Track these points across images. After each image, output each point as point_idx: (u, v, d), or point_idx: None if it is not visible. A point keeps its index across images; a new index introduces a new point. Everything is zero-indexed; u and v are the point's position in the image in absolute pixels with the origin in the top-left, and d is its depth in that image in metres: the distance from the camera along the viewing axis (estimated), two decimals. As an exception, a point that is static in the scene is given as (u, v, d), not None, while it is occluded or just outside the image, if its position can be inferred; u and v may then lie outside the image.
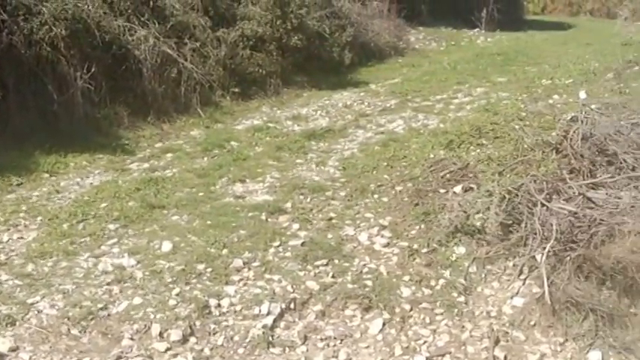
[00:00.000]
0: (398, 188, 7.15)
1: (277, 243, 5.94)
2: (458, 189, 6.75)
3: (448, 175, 7.10)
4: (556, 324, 4.80)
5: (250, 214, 6.55)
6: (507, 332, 4.84)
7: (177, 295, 5.01)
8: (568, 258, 5.12)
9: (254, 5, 12.45)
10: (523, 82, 12.20)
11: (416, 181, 7.19)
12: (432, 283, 5.42)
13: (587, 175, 6.28)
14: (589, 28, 25.87)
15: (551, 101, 10.05)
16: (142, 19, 10.46)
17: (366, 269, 5.61)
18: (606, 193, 5.82)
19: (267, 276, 5.39)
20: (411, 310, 5.07)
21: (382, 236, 6.16)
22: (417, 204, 6.68)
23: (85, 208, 6.70)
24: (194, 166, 8.14)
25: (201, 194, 7.16)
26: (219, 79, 11.07)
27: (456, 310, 5.08)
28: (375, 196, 7.06)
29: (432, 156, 7.87)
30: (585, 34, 22.47)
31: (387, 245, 6.02)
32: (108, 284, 5.17)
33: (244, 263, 5.55)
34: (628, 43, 15.57)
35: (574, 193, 5.85)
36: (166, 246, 5.82)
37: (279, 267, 5.54)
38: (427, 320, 4.98)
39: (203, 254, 5.65)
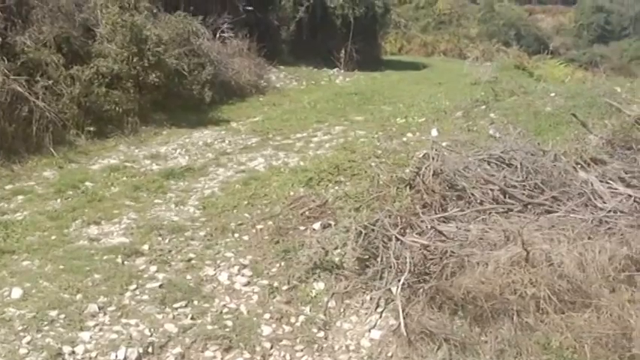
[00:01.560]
0: (258, 226, 7.20)
1: (134, 286, 5.84)
2: (317, 226, 6.88)
3: (308, 213, 7.22)
4: (412, 355, 4.95)
5: (105, 257, 6.41)
6: (366, 365, 4.95)
7: (28, 343, 4.84)
8: (422, 290, 5.31)
9: (109, 42, 12.25)
10: (379, 121, 12.56)
11: (276, 218, 7.27)
12: (293, 319, 5.49)
13: (438, 209, 6.56)
14: (442, 68, 27.04)
15: (405, 139, 10.40)
16: (-9, 55, 10.07)
17: (226, 309, 5.61)
18: (456, 226, 6.10)
19: (123, 320, 5.30)
20: (271, 348, 5.12)
21: (243, 275, 6.18)
22: (277, 242, 6.75)
23: None
24: (46, 209, 7.86)
25: (53, 238, 6.95)
26: (73, 118, 10.78)
27: (316, 345, 5.17)
28: (236, 235, 7.08)
29: (292, 194, 7.99)
30: (438, 74, 23.46)
31: (248, 284, 6.04)
32: (-47, 334, 4.93)
33: (99, 308, 5.43)
34: (476, 83, 16.40)
35: (426, 226, 6.09)
36: (16, 292, 5.61)
37: (136, 310, 5.46)
38: (288, 357, 5.04)
39: (56, 300, 5.48)
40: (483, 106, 12.02)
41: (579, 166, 7.40)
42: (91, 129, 10.94)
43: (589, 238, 5.57)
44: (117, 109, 11.59)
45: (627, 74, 31.64)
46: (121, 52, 12.11)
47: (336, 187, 8.11)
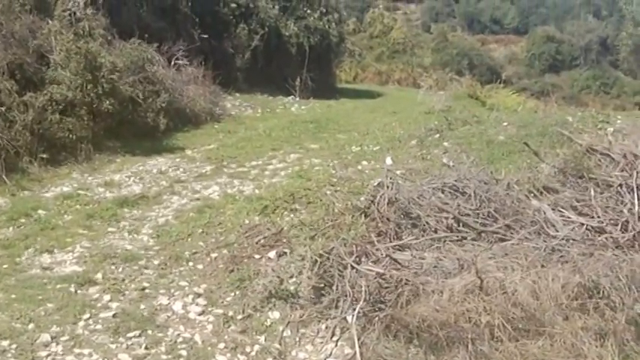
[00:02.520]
0: (213, 255, 7.19)
1: (87, 315, 5.79)
2: (272, 254, 6.88)
3: (263, 241, 7.22)
4: (368, 383, 4.96)
5: (58, 286, 6.35)
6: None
7: (-23, 374, 4.75)
8: (377, 318, 5.35)
9: (63, 69, 12.16)
10: (334, 149, 12.64)
11: (231, 247, 7.27)
12: (248, 349, 5.48)
13: (393, 238, 6.62)
14: (396, 97, 27.30)
15: (360, 167, 10.48)
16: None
17: (180, 339, 5.58)
18: (411, 254, 6.15)
19: (76, 350, 5.25)
20: (226, 377, 5.09)
21: (197, 304, 6.16)
22: (232, 270, 6.75)
23: None
24: (-2, 237, 7.74)
25: (5, 266, 6.87)
26: (26, 145, 10.66)
27: (271, 375, 5.14)
28: (190, 263, 7.06)
29: (247, 222, 7.98)
30: (392, 103, 23.68)
31: (202, 313, 6.02)
32: None
33: (52, 338, 5.38)
34: (430, 112, 16.62)
35: (382, 255, 6.14)
36: (-34, 322, 5.51)
37: (89, 340, 5.41)
38: (243, 387, 5.01)
39: (7, 330, 5.42)
40: (437, 135, 12.17)
41: (532, 194, 7.53)
42: (44, 156, 10.81)
43: (542, 266, 5.67)
44: (70, 136, 11.48)
45: (578, 104, 32.35)
46: (75, 79, 12.02)
47: (292, 216, 8.13)
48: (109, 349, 5.29)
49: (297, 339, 5.65)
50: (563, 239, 6.31)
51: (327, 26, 24.79)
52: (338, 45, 26.94)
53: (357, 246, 6.31)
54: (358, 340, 5.21)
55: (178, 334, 5.65)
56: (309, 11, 24.43)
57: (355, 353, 5.13)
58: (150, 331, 5.62)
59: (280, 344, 5.55)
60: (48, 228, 8.08)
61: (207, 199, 9.49)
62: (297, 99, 21.71)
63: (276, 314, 5.90)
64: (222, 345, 5.51)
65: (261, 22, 22.75)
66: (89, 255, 7.22)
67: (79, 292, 6.29)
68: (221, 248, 7.31)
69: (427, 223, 6.78)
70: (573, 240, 6.32)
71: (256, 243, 7.24)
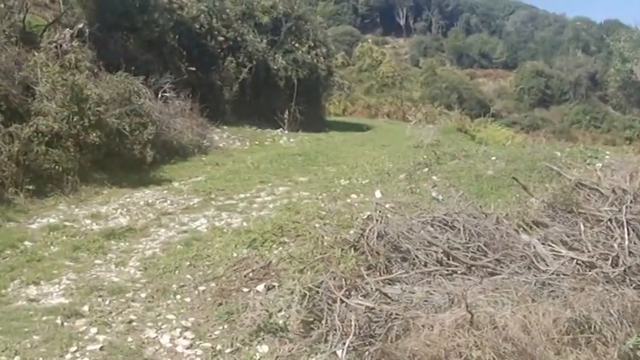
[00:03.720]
0: (201, 288, 7.20)
1: (74, 348, 5.79)
2: (261, 287, 6.91)
3: (251, 274, 7.25)
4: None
5: (45, 318, 6.34)
6: None
7: (-38, 409, 4.74)
8: (367, 353, 5.37)
9: (49, 101, 12.24)
10: (323, 182, 12.70)
11: (219, 280, 7.28)
12: (237, 383, 5.48)
13: (383, 271, 6.66)
14: (386, 130, 27.51)
15: (349, 200, 10.53)
16: None
17: (168, 373, 5.59)
18: (401, 288, 6.19)
19: (63, 383, 5.23)
20: (214, 412, 5.09)
21: (185, 338, 6.16)
22: (220, 304, 6.76)
23: None
24: (-16, 269, 7.74)
25: (-10, 298, 6.84)
26: (11, 176, 10.71)
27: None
28: (178, 296, 7.06)
29: (235, 255, 8.00)
30: (382, 136, 23.85)
31: (190, 347, 6.02)
32: None
33: (38, 371, 5.36)
34: (419, 146, 16.72)
35: (371, 288, 6.16)
36: (-49, 355, 5.51)
37: (76, 373, 5.40)
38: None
39: (-8, 363, 5.39)
40: (426, 169, 12.26)
41: (521, 228, 7.60)
42: (30, 187, 10.85)
43: (533, 300, 5.71)
44: (57, 167, 11.52)
45: (568, 138, 32.62)
46: (61, 111, 12.09)
47: (280, 249, 8.16)
48: (96, 382, 5.28)
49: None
50: (553, 274, 6.36)
51: (315, 60, 25.01)
52: (326, 78, 27.17)
53: (346, 280, 6.31)
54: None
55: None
56: (297, 45, 24.65)
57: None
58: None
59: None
60: (34, 259, 8.09)
61: (195, 231, 9.52)
62: (286, 132, 21.85)
63: (265, 348, 5.87)
64: (210, 379, 5.51)
65: (249, 56, 22.97)
66: (76, 287, 7.21)
67: (65, 324, 6.27)
68: (209, 281, 7.32)
69: (417, 256, 6.82)
70: (564, 275, 6.36)
71: (244, 276, 7.26)
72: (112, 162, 13.20)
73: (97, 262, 8.17)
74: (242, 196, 11.78)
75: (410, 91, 55.02)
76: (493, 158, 12.26)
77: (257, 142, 19.53)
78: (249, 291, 6.94)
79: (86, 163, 12.41)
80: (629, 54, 50.27)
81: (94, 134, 12.35)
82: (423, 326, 5.40)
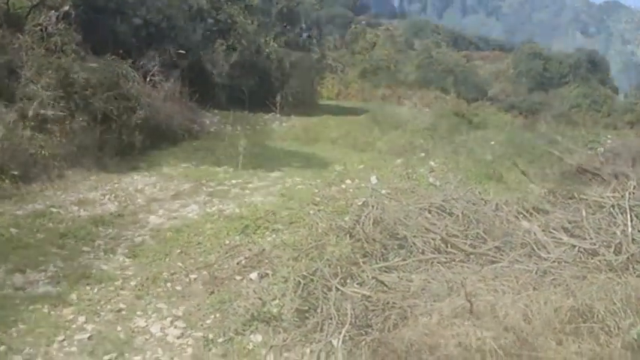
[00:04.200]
0: (192, 276, 7.17)
1: (61, 337, 5.76)
2: (254, 275, 6.89)
3: (244, 262, 7.24)
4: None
5: (31, 306, 6.31)
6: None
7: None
8: (364, 342, 5.35)
9: (35, 84, 12.12)
10: (317, 167, 12.64)
11: (211, 268, 7.26)
12: (230, 374, 5.45)
13: (379, 259, 6.65)
14: (380, 115, 27.33)
15: (343, 186, 10.51)
16: None
17: (158, 363, 5.57)
18: (398, 276, 6.17)
19: (50, 373, 5.20)
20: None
21: (176, 327, 6.14)
22: (212, 292, 6.74)
23: None
24: (-32, 256, 7.69)
25: (-25, 287, 6.79)
26: (-4, 161, 10.59)
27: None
28: (168, 284, 7.03)
29: (227, 242, 7.98)
30: (376, 121, 23.70)
31: (181, 336, 6.00)
32: None
33: (25, 360, 5.31)
34: (415, 130, 16.67)
35: (367, 276, 6.15)
36: None
37: (63, 363, 5.36)
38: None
39: (-23, 352, 5.35)
40: (423, 154, 12.24)
41: (521, 215, 7.58)
42: (15, 173, 10.72)
43: (534, 289, 5.70)
44: (43, 152, 11.41)
45: (568, 122, 32.51)
46: (47, 95, 11.97)
47: (274, 236, 8.14)
48: (84, 372, 5.25)
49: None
50: (555, 262, 6.36)
51: (307, 43, 24.87)
52: (319, 61, 27.01)
53: (341, 267, 6.32)
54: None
55: (156, 358, 5.65)
56: (288, 27, 24.50)
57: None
58: (127, 354, 5.61)
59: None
60: (20, 247, 8.01)
61: (185, 218, 9.48)
62: (278, 115, 21.69)
63: (258, 337, 5.87)
64: (202, 370, 5.49)
65: (240, 38, 22.73)
66: (63, 275, 7.16)
67: (52, 313, 6.25)
68: (200, 269, 7.30)
69: (414, 244, 6.82)
70: (565, 262, 6.36)
71: (237, 264, 7.26)
72: (100, 147, 13.07)
73: (84, 249, 8.12)
74: (234, 181, 11.73)
75: (405, 74, 54.68)
76: (491, 143, 12.24)
77: (249, 127, 19.42)
78: (242, 279, 6.94)
79: (73, 148, 12.28)
80: (630, 36, 50.34)
81: (81, 119, 12.25)
82: (421, 315, 5.41)
